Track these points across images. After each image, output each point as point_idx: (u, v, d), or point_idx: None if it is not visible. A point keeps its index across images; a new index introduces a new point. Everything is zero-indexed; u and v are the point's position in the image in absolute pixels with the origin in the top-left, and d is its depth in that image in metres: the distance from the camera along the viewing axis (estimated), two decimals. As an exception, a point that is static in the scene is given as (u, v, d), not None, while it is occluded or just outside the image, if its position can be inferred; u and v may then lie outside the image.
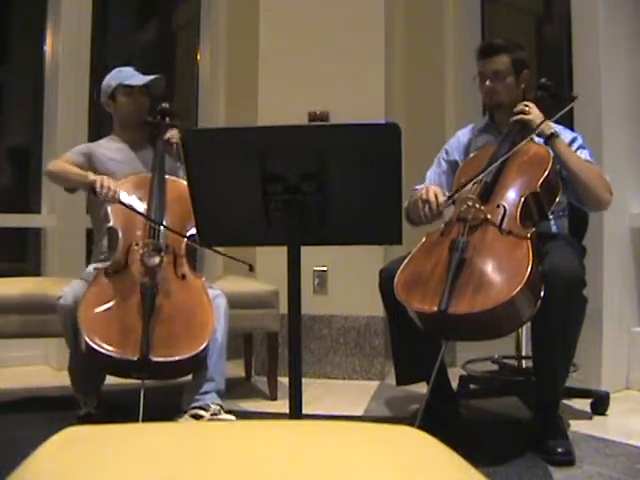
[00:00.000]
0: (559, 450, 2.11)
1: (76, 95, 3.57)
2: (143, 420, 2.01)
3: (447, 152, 2.75)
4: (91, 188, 2.51)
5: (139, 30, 5.01)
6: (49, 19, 3.66)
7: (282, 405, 2.68)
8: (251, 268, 2.25)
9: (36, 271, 3.66)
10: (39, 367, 3.48)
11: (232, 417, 2.35)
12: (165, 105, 2.88)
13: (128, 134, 2.90)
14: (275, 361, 2.94)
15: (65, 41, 3.58)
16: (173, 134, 2.81)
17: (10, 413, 2.69)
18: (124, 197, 2.57)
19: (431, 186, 2.51)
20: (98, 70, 3.56)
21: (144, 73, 2.88)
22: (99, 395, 2.46)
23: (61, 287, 2.48)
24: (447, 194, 2.45)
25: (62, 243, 3.51)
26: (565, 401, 2.65)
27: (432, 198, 2.38)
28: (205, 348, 2.29)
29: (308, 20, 3.44)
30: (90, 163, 2.78)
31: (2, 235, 3.73)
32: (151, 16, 4.93)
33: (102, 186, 2.48)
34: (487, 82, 2.59)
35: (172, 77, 4.73)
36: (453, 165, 2.71)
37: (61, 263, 3.46)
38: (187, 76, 4.48)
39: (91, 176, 2.57)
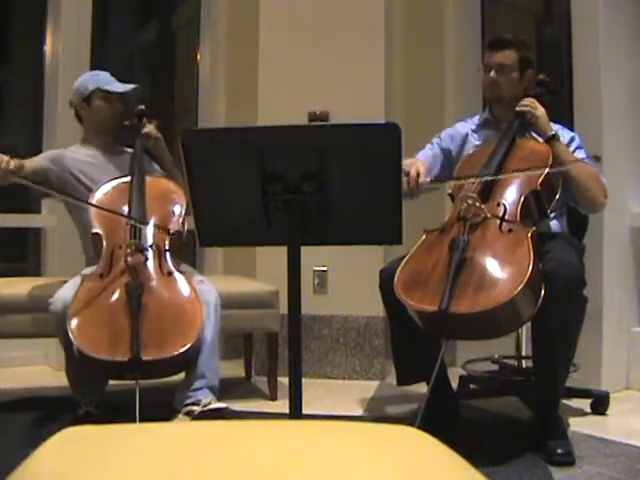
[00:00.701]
0: (559, 451, 2.11)
1: (76, 95, 3.57)
2: (141, 420, 2.01)
3: (441, 138, 2.74)
4: None
5: (139, 30, 5.01)
6: (49, 19, 3.66)
7: (282, 405, 2.67)
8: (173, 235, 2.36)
9: (36, 271, 3.67)
10: (39, 367, 3.48)
11: (223, 405, 2.33)
12: (142, 107, 2.82)
13: (101, 139, 2.85)
14: (275, 361, 2.93)
15: (65, 41, 3.57)
16: (151, 128, 2.79)
17: (10, 413, 2.69)
18: (98, 196, 2.54)
19: (419, 161, 2.45)
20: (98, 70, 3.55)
21: (120, 81, 2.85)
22: (102, 396, 2.45)
23: (61, 287, 2.48)
24: (432, 177, 2.38)
25: (62, 243, 3.50)
26: (565, 401, 2.65)
27: (413, 173, 2.29)
28: (194, 344, 2.27)
29: (308, 20, 3.44)
30: (61, 167, 2.72)
31: (2, 235, 3.73)
32: (151, 16, 4.94)
33: None
34: (491, 73, 2.59)
35: (172, 77, 4.74)
36: (446, 153, 2.69)
37: (61, 263, 3.46)
38: (187, 76, 4.48)
39: None
